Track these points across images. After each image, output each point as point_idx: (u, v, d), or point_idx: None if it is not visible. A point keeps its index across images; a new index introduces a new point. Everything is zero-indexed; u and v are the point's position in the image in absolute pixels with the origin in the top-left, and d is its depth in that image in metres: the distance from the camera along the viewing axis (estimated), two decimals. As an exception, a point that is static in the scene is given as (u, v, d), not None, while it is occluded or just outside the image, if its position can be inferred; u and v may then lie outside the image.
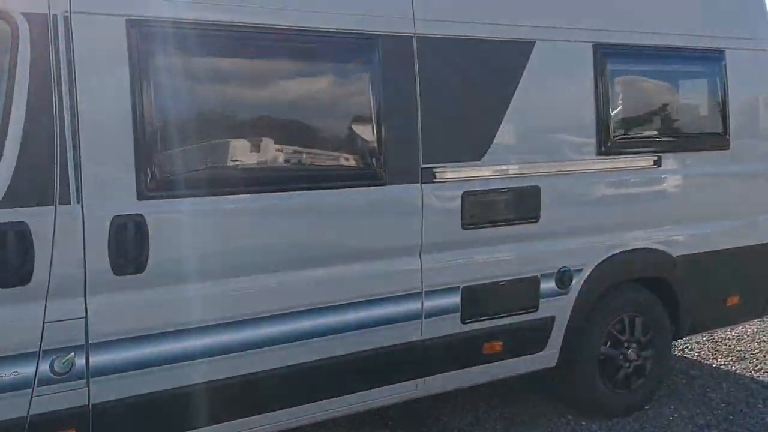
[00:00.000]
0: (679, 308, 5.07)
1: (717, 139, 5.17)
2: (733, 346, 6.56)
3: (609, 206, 4.71)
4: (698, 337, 6.71)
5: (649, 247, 4.87)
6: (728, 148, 5.20)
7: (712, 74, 5.14)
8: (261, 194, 3.57)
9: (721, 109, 5.16)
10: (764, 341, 6.73)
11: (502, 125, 4.24)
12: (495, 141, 4.22)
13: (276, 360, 3.61)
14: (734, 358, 6.26)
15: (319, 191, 3.70)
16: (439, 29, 4.03)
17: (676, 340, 5.48)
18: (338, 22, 3.74)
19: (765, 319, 7.40)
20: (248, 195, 3.53)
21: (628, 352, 4.89)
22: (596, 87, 4.57)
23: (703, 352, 6.41)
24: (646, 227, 4.87)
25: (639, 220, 4.83)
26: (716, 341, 6.71)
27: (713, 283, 5.22)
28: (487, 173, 4.20)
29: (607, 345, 4.83)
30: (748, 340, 6.75)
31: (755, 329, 7.06)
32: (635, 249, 4.82)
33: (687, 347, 6.50)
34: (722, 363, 6.16)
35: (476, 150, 4.17)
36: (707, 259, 5.14)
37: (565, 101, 4.53)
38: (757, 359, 6.23)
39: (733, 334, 6.91)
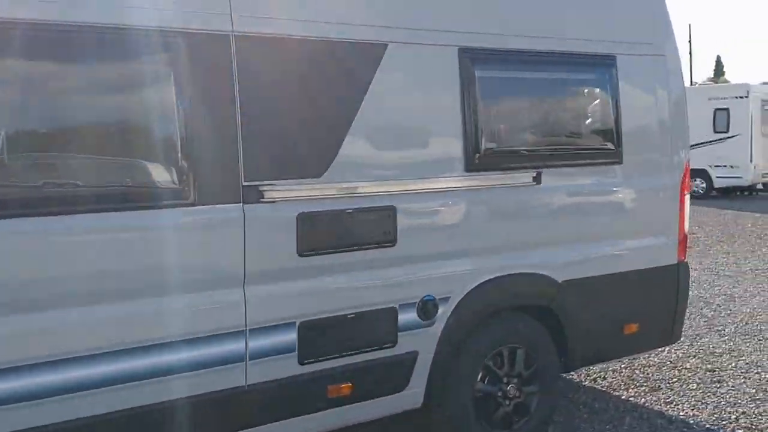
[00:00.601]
0: (567, 338, 4.61)
1: (607, 153, 4.75)
2: (650, 375, 6.11)
3: (480, 228, 4.25)
4: (617, 364, 6.26)
5: (529, 271, 4.42)
6: (620, 162, 4.77)
7: (602, 82, 4.71)
8: (40, 217, 3.07)
9: (613, 119, 4.73)
10: (686, 368, 6.28)
11: (348, 138, 3.77)
12: (339, 155, 3.75)
13: (53, 414, 3.09)
14: (648, 389, 5.80)
15: (110, 213, 3.20)
16: (264, 27, 3.56)
17: (567, 372, 5.02)
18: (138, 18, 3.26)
19: (694, 342, 7.00)
20: (21, 219, 3.03)
21: (508, 389, 4.41)
22: (463, 96, 4.12)
23: (615, 382, 5.95)
24: (525, 250, 4.41)
25: (516, 242, 4.37)
26: (635, 368, 6.25)
27: (607, 310, 4.77)
28: (329, 192, 3.73)
29: (484, 381, 4.35)
30: (670, 367, 6.30)
31: (681, 354, 6.63)
32: (513, 274, 4.36)
33: (600, 376, 6.05)
34: (633, 394, 5.70)
35: (315, 165, 3.70)
36: (598, 283, 4.69)
37: (426, 111, 4.08)
38: (672, 389, 5.77)
39: (656, 359, 6.46)
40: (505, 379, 4.41)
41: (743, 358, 6.56)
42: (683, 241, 5.10)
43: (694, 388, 5.80)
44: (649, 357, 6.39)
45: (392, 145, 3.95)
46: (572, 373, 5.90)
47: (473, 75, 4.14)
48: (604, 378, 6.01)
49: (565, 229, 4.56)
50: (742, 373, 6.15)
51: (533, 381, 4.51)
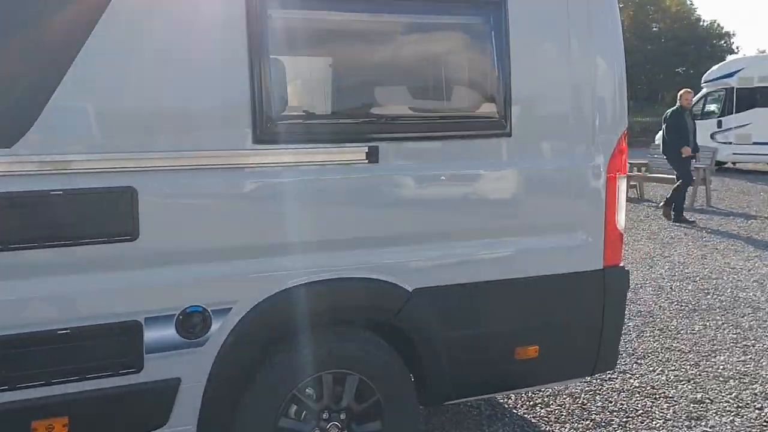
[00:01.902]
0: (423, 364, 3.51)
1: (488, 123, 3.56)
2: (611, 404, 4.86)
3: (278, 219, 3.21)
4: (577, 387, 5.05)
5: (359, 276, 3.34)
6: (509, 135, 3.58)
7: (482, 27, 3.54)
8: None
9: (497, 78, 3.54)
10: (666, 396, 4.98)
11: (57, 94, 2.84)
12: (43, 118, 2.83)
13: None
14: (592, 424, 4.57)
15: None
16: None
17: (427, 406, 3.92)
18: None
19: (702, 361, 5.64)
20: None
21: (328, 426, 3.38)
22: (251, 39, 3.09)
23: (559, 411, 4.74)
24: (354, 248, 3.34)
25: (340, 238, 3.31)
26: (597, 393, 5.02)
27: (486, 328, 3.62)
28: (25, 167, 2.82)
29: (293, 416, 3.34)
30: (644, 395, 5.02)
31: (672, 376, 5.32)
32: (332, 279, 3.30)
33: (543, 402, 4.85)
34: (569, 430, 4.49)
35: (4, 132, 2.80)
36: (471, 294, 3.55)
37: (187, 59, 3.06)
38: (625, 427, 4.52)
39: (633, 383, 5.20)
40: (324, 414, 3.38)
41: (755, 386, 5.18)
42: (614, 241, 3.85)
43: (659, 426, 4.53)
44: (581, 385, 5.11)
45: (133, 106, 2.97)
46: (505, 397, 4.76)
47: (266, 11, 3.10)
48: (548, 405, 4.82)
49: (417, 222, 3.44)
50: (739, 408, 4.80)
51: (375, 417, 3.45)
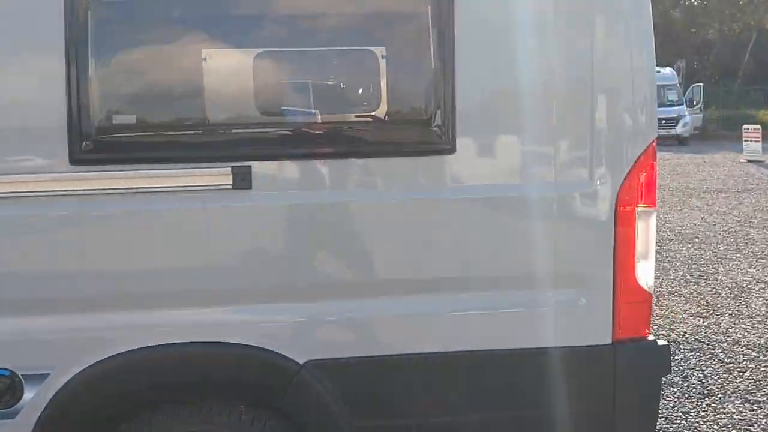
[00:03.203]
0: (323, 463, 2.59)
1: (420, 135, 2.52)
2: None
3: (110, 263, 2.45)
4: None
5: (226, 340, 2.49)
6: (451, 152, 2.50)
7: (415, 14, 2.50)
8: None
9: (437, 73, 2.47)
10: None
11: None
12: None
13: None
14: None
15: None
16: None
17: None
18: None
19: None
20: None
21: None
22: (69, 27, 2.35)
23: None
24: (222, 302, 2.50)
25: (200, 287, 2.48)
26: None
27: (417, 418, 2.60)
28: None
29: None
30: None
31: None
32: (189, 343, 2.49)
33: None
34: None
35: None
36: (394, 370, 2.55)
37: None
38: None
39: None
40: None
41: None
42: (635, 304, 2.61)
43: None
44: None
45: None
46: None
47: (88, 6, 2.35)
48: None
49: (309, 270, 2.51)
50: None
51: None
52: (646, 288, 2.63)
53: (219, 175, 2.42)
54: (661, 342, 2.68)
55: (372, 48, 2.52)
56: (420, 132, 2.49)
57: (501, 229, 2.55)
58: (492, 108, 2.52)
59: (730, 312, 6.45)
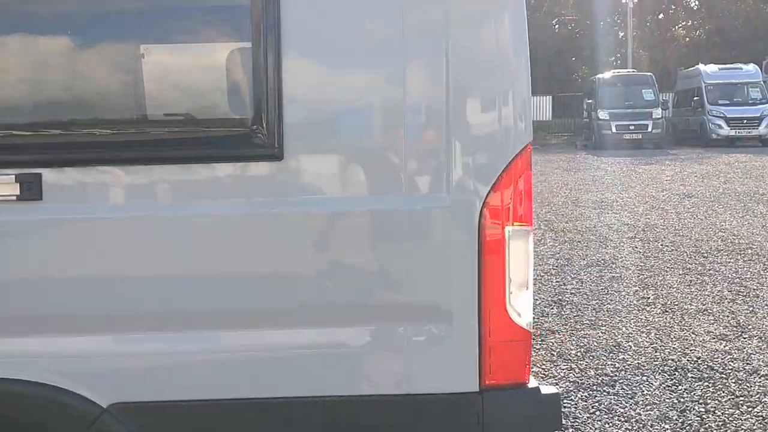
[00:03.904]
0: None
1: (238, 138, 2.11)
2: None
3: None
4: None
5: (8, 376, 2.15)
6: (277, 158, 2.09)
7: (236, 6, 2.11)
8: None
9: (261, 73, 2.07)
10: None
11: None
12: None
13: None
14: None
15: None
16: None
17: None
18: None
19: None
20: None
21: None
22: None
23: None
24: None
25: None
26: None
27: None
28: None
29: None
30: None
31: None
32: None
33: None
34: None
35: None
36: (213, 416, 2.15)
37: None
38: None
39: None
40: None
41: None
42: (507, 342, 2.14)
43: None
44: None
45: None
46: None
47: None
48: None
49: (114, 296, 2.13)
50: None
51: None
52: (522, 324, 2.15)
53: (1, 184, 2.08)
54: (547, 389, 2.20)
55: (182, 41, 2.13)
56: (239, 134, 2.09)
57: (338, 251, 2.12)
58: (328, 109, 2.10)
59: (761, 335, 5.75)
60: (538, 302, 6.72)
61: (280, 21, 2.04)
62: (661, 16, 45.98)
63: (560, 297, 6.91)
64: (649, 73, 28.20)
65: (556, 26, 43.47)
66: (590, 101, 27.42)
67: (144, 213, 2.10)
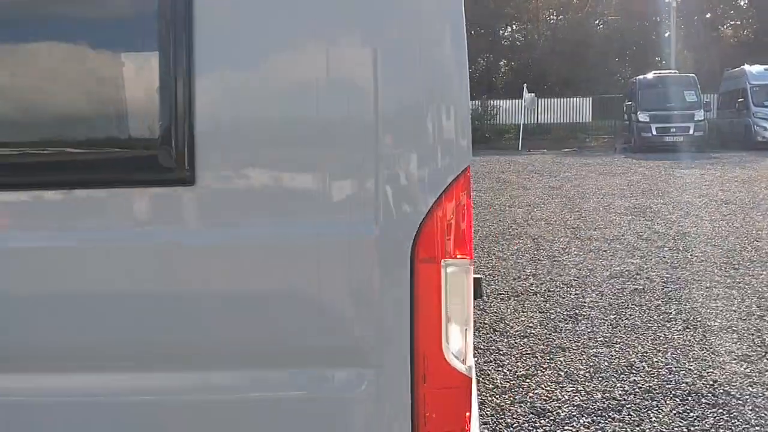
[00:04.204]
0: None
1: (145, 163, 1.91)
2: None
3: None
4: None
5: None
6: (188, 183, 1.89)
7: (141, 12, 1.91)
8: None
9: (169, 87, 1.87)
10: None
11: None
12: None
13: None
14: None
15: None
16: None
17: None
18: None
19: None
20: None
21: None
22: None
23: None
24: None
25: None
26: None
27: None
28: None
29: None
30: None
31: None
32: None
33: None
34: None
35: None
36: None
37: None
38: None
39: None
40: None
41: None
42: (440, 391, 1.91)
43: None
44: None
45: None
46: None
47: None
48: None
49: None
50: None
51: None
52: (461, 369, 1.92)
53: None
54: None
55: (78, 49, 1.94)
56: (144, 156, 1.89)
57: (250, 286, 1.91)
58: (244, 128, 1.89)
59: (787, 356, 5.41)
60: (552, 316, 6.45)
61: (193, 26, 1.84)
62: (708, 15, 44.89)
63: (577, 311, 6.62)
64: (691, 74, 27.45)
65: (600, 27, 42.71)
66: (630, 103, 26.81)
67: (27, 244, 1.92)
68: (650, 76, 27.66)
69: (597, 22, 42.99)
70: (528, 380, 5.01)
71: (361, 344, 1.89)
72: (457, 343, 1.91)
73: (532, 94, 29.25)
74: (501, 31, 42.94)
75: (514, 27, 44.26)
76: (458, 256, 1.88)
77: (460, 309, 1.90)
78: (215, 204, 1.88)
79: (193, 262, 1.90)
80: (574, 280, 7.74)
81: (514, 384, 4.95)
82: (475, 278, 5.85)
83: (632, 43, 40.31)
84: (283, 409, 1.94)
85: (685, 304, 6.76)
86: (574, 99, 33.09)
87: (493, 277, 7.92)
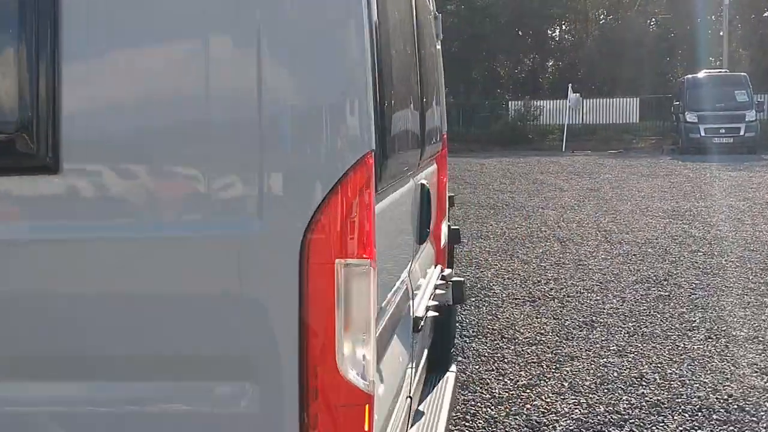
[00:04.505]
0: None
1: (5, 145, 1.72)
2: None
3: None
4: None
5: None
6: (52, 171, 1.69)
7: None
8: None
9: (28, 67, 1.68)
10: None
11: None
12: None
13: None
14: None
15: None
16: None
17: None
18: None
19: None
20: None
21: None
22: None
23: None
24: None
25: None
26: None
27: None
28: None
29: None
30: None
31: None
32: None
33: None
34: None
35: None
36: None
37: None
38: None
39: None
40: None
41: None
42: (335, 408, 1.68)
43: None
44: None
45: None
46: None
47: None
48: None
49: None
50: None
51: None
52: (359, 385, 1.68)
53: None
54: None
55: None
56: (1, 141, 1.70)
57: (121, 288, 1.72)
58: (117, 118, 1.69)
59: (813, 370, 5.02)
60: (566, 323, 6.14)
61: (60, 10, 1.65)
62: (766, 14, 43.52)
63: (594, 317, 6.29)
64: (742, 73, 26.54)
65: (652, 26, 41.74)
66: (678, 103, 26.05)
67: None
68: (699, 75, 26.85)
69: (647, 21, 42.02)
70: (528, 391, 4.73)
71: (243, 353, 1.68)
72: (354, 356, 1.67)
73: (577, 95, 28.65)
74: (549, 32, 42.23)
75: (563, 27, 43.53)
76: (357, 257, 1.65)
77: (358, 316, 1.67)
78: (81, 196, 1.68)
79: (58, 259, 1.71)
80: (597, 285, 7.40)
81: (512, 394, 4.67)
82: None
83: (684, 42, 39.26)
84: (162, 424, 1.72)
85: (711, 312, 6.38)
86: (621, 99, 32.30)
87: (512, 280, 7.63)
